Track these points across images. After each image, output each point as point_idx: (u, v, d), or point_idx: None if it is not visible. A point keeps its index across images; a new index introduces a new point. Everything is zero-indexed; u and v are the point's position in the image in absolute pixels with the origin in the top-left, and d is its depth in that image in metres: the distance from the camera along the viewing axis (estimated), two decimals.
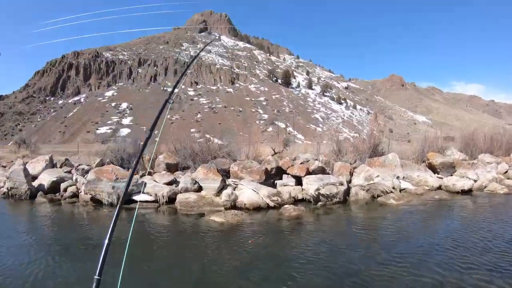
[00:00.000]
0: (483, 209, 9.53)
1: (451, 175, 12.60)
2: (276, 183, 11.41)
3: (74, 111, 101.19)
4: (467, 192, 11.22)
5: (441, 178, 12.59)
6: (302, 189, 10.83)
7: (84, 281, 4.84)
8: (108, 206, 10.19)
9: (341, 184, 10.77)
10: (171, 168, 12.47)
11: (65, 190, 11.64)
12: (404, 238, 6.87)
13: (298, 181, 11.33)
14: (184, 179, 10.94)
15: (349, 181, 11.59)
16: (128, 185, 2.18)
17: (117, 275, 1.85)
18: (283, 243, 6.93)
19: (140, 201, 10.36)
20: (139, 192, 10.49)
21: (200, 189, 10.71)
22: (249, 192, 10.21)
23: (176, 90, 2.55)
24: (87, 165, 13.65)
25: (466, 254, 5.54)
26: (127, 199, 10.30)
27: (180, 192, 10.53)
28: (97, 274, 1.74)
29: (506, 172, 13.87)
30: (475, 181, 11.80)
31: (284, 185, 11.19)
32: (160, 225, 8.36)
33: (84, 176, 11.98)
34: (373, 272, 5.03)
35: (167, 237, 7.49)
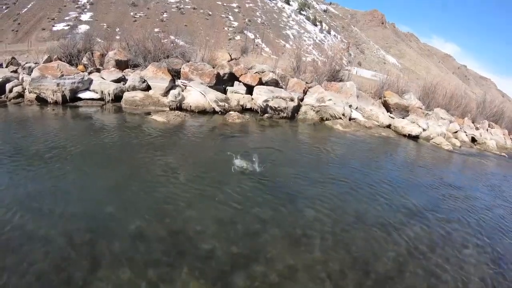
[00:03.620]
0: (422, 157, 9.76)
1: (403, 118, 12.83)
2: (227, 89, 11.09)
3: (29, 6, 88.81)
4: (414, 138, 11.54)
5: (393, 118, 12.80)
6: (252, 99, 10.62)
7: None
8: (53, 105, 9.37)
9: (292, 100, 10.65)
10: (121, 65, 11.58)
11: (10, 90, 10.49)
12: (341, 162, 7.02)
13: (250, 90, 11.05)
14: (132, 76, 10.29)
15: (301, 100, 11.49)
16: None
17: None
18: (219, 148, 6.80)
19: (85, 99, 9.95)
20: (85, 90, 10.06)
21: (148, 88, 10.24)
22: (197, 94, 9.89)
23: None
24: (35, 63, 12.64)
25: (389, 189, 5.82)
26: (72, 97, 9.85)
27: (127, 91, 10.02)
28: None
29: (456, 132, 14.14)
30: (424, 130, 12.08)
31: (235, 92, 10.92)
32: (100, 124, 7.86)
33: (30, 75, 11.19)
34: (304, 187, 5.17)
35: (106, 136, 7.00)
